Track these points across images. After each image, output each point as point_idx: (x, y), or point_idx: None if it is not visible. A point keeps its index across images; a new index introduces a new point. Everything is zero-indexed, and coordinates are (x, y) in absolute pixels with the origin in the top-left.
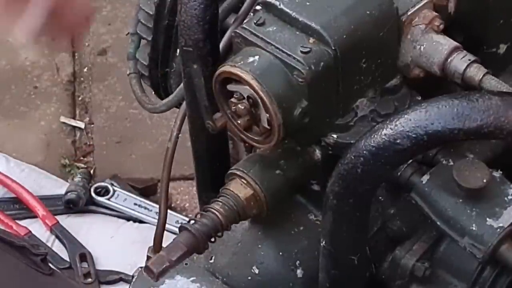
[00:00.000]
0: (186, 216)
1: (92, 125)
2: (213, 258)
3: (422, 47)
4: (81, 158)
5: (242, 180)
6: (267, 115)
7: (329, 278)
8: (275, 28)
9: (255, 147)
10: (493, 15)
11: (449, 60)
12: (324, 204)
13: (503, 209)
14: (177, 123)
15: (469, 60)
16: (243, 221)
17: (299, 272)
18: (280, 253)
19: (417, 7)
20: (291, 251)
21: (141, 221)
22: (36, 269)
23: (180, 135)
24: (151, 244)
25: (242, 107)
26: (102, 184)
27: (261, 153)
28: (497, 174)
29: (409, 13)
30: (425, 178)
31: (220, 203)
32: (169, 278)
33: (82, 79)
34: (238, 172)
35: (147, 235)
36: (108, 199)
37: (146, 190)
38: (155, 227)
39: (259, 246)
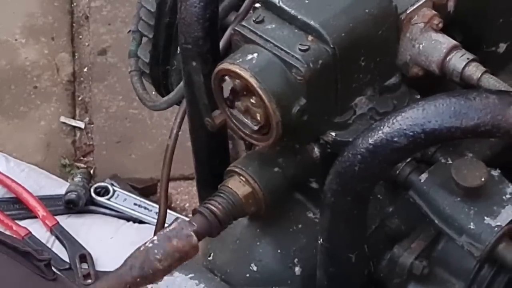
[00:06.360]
0: (186, 216)
1: (92, 125)
2: (211, 255)
3: (421, 46)
4: (81, 158)
5: (241, 177)
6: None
7: (327, 276)
8: (274, 25)
9: (254, 144)
10: (493, 14)
11: (447, 58)
12: (322, 201)
13: (501, 207)
14: (177, 120)
15: (468, 58)
16: (241, 218)
17: (297, 269)
18: (279, 251)
19: (416, 5)
20: (290, 249)
21: (141, 222)
22: (40, 274)
23: (179, 132)
24: None
25: None
26: (102, 184)
27: (260, 151)
28: (495, 173)
29: (408, 11)
30: (423, 177)
31: (218, 200)
32: (168, 275)
33: (82, 79)
34: (236, 169)
35: (147, 236)
36: (108, 199)
37: (146, 190)
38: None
39: (258, 243)
